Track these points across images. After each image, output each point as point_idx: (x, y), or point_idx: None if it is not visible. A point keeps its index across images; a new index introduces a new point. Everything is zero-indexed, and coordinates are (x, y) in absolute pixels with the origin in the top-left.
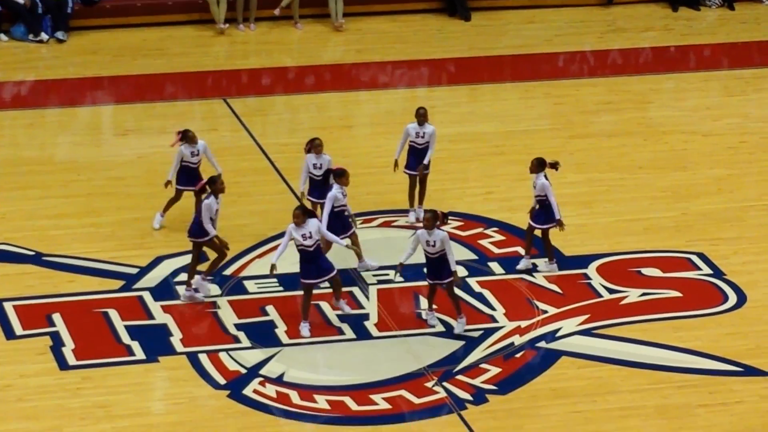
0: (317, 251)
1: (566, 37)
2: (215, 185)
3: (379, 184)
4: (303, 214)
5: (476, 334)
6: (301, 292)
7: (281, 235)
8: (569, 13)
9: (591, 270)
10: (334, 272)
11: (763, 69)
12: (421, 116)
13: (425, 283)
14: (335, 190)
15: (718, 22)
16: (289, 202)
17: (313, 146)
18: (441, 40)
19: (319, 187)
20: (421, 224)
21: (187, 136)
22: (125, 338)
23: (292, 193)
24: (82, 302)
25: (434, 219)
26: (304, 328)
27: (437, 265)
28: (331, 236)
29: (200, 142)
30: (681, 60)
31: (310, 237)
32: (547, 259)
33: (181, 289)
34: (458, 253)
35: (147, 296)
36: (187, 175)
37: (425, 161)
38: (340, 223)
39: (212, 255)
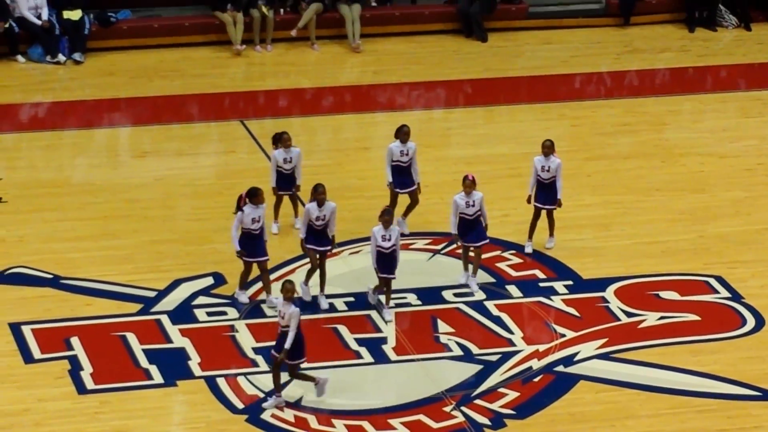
0: (393, 253)
1: (583, 58)
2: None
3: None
4: (388, 220)
5: (494, 358)
6: (314, 315)
7: (298, 258)
8: (586, 34)
9: (609, 293)
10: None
11: None
12: (405, 134)
13: (442, 306)
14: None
15: (735, 42)
16: None
17: (282, 141)
18: (457, 61)
19: (288, 180)
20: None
21: (281, 139)
22: (143, 362)
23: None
24: (100, 326)
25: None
26: (388, 314)
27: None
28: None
29: (294, 149)
30: (698, 81)
31: (389, 239)
32: (552, 237)
33: (200, 313)
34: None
35: (165, 320)
36: (284, 180)
37: (417, 180)
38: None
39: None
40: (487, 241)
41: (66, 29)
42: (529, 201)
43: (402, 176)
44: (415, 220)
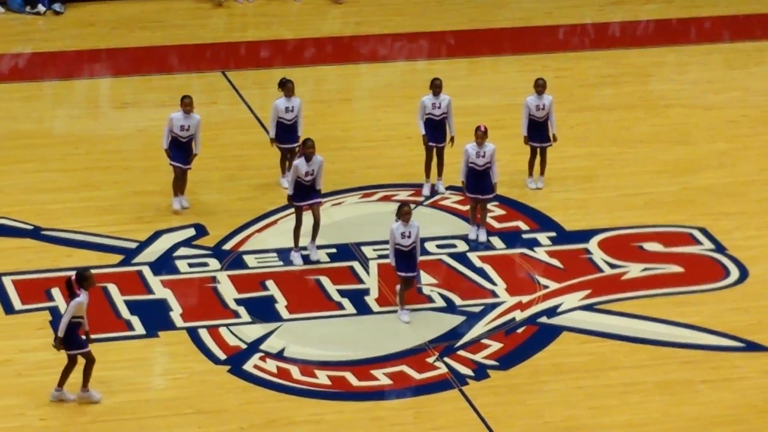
0: (413, 251)
1: (566, 10)
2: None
3: (378, 158)
4: (407, 213)
5: (477, 309)
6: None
7: (281, 209)
8: None
9: (592, 245)
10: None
11: (765, 42)
12: (437, 87)
13: (425, 258)
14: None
15: None
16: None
17: (286, 88)
18: (440, 12)
19: (290, 131)
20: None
21: (285, 87)
22: (125, 313)
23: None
24: None
25: None
26: (405, 314)
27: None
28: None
29: (296, 98)
30: (682, 33)
31: (408, 236)
32: (542, 176)
33: (181, 264)
34: (459, 228)
35: (146, 271)
36: (285, 131)
37: (452, 134)
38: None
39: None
40: (494, 195)
41: None
42: (526, 142)
43: (435, 130)
44: (399, 171)
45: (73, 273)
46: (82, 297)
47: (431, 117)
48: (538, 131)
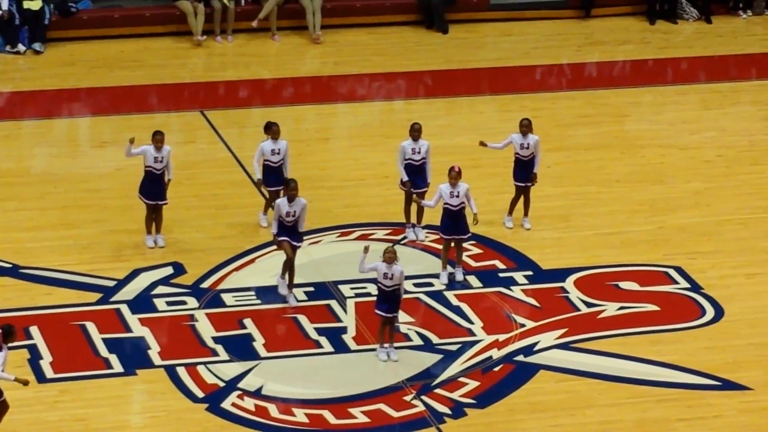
0: (396, 291)
1: (543, 50)
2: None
3: (356, 197)
4: (390, 257)
5: (454, 347)
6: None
7: (259, 248)
8: (547, 26)
9: (568, 283)
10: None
11: (740, 83)
12: (416, 132)
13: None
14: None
15: (695, 35)
16: (267, 215)
17: (271, 131)
18: (418, 52)
19: (276, 173)
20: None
21: (271, 130)
22: (103, 351)
23: (271, 207)
24: (60, 315)
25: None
26: (393, 353)
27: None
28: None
29: (282, 141)
30: (658, 73)
31: (390, 278)
32: (526, 218)
33: (159, 302)
34: (435, 266)
35: (125, 309)
36: (270, 174)
37: (428, 180)
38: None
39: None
40: (470, 235)
41: (26, 19)
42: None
43: (414, 176)
44: (376, 210)
45: None
46: (5, 351)
47: (411, 162)
48: (523, 170)
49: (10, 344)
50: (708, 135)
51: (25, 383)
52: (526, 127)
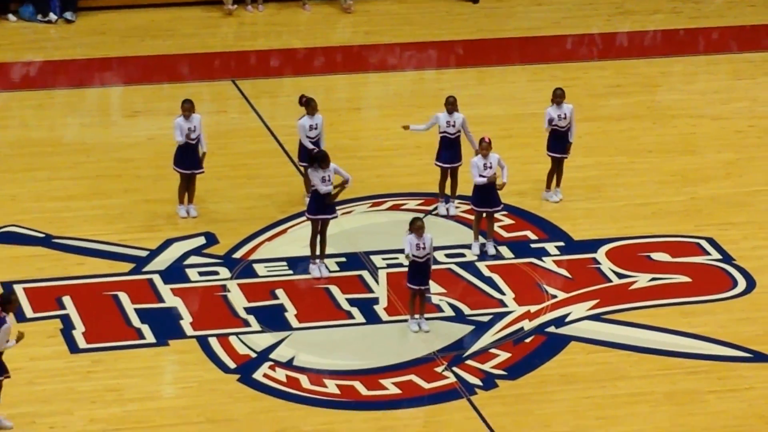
0: (428, 262)
1: (574, 20)
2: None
3: (387, 167)
4: (420, 227)
5: (486, 318)
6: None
7: (291, 218)
8: None
9: (600, 255)
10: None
11: None
12: (450, 105)
13: (434, 267)
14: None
15: (727, 5)
16: (298, 184)
17: (309, 106)
18: (449, 22)
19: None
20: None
21: (309, 106)
22: (135, 321)
23: (302, 175)
24: (93, 285)
25: None
26: (425, 324)
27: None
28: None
29: (318, 115)
30: (689, 43)
31: (423, 248)
32: (558, 188)
33: (191, 272)
34: (467, 237)
35: (157, 279)
36: (307, 149)
37: (474, 148)
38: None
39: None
40: (502, 206)
41: None
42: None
43: (449, 149)
44: (408, 180)
45: None
46: (9, 322)
47: (446, 135)
48: (559, 142)
49: (12, 312)
50: (740, 105)
51: (20, 337)
52: (559, 97)
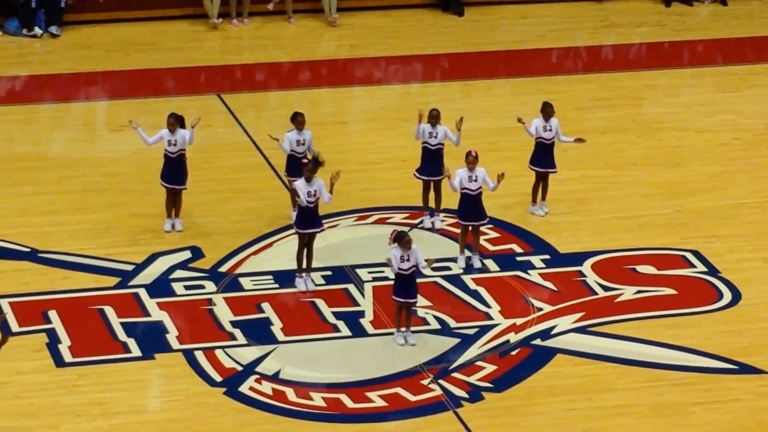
0: (413, 275)
1: (559, 33)
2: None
3: (373, 180)
4: (408, 242)
5: (472, 331)
6: (292, 290)
7: (277, 231)
8: (562, 8)
9: (586, 267)
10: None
11: (757, 65)
12: (434, 118)
13: (419, 280)
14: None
15: (711, 17)
16: (284, 198)
17: (296, 122)
18: (434, 35)
19: (300, 163)
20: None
21: (296, 120)
22: (121, 335)
23: (287, 189)
24: (78, 299)
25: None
26: (411, 337)
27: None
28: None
29: (307, 131)
30: (674, 56)
31: (408, 260)
32: (544, 201)
33: (177, 286)
34: (452, 250)
35: (143, 293)
36: (294, 163)
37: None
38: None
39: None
40: (487, 220)
41: (42, 2)
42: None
43: (431, 162)
44: (394, 194)
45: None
46: None
47: (427, 146)
48: (544, 156)
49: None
50: (724, 118)
51: (3, 342)
52: (549, 114)
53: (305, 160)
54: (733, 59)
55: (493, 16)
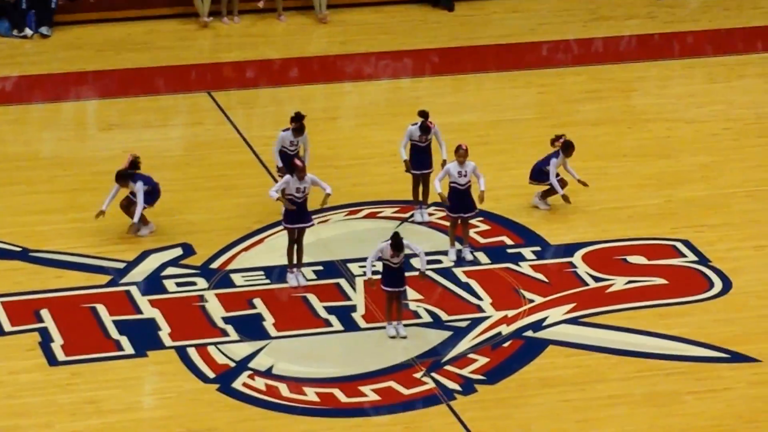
0: (402, 267)
1: (550, 26)
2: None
3: (364, 175)
4: (399, 248)
5: (464, 324)
6: (283, 285)
7: (268, 227)
8: (552, 2)
9: (577, 258)
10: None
11: (746, 56)
12: (462, 156)
13: (410, 273)
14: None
15: (701, 9)
16: None
17: (295, 129)
18: (424, 30)
19: (290, 159)
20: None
21: (295, 127)
22: (114, 333)
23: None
24: (70, 298)
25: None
26: (402, 329)
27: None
28: None
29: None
30: (664, 47)
31: (398, 255)
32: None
33: (169, 283)
34: (443, 243)
35: (134, 291)
36: (287, 160)
37: (444, 157)
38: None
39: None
40: (477, 212)
41: (33, 3)
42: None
43: (420, 156)
44: (384, 188)
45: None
46: None
47: (416, 144)
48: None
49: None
50: (715, 108)
51: None
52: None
53: (298, 162)
54: (723, 50)
55: (483, 10)
